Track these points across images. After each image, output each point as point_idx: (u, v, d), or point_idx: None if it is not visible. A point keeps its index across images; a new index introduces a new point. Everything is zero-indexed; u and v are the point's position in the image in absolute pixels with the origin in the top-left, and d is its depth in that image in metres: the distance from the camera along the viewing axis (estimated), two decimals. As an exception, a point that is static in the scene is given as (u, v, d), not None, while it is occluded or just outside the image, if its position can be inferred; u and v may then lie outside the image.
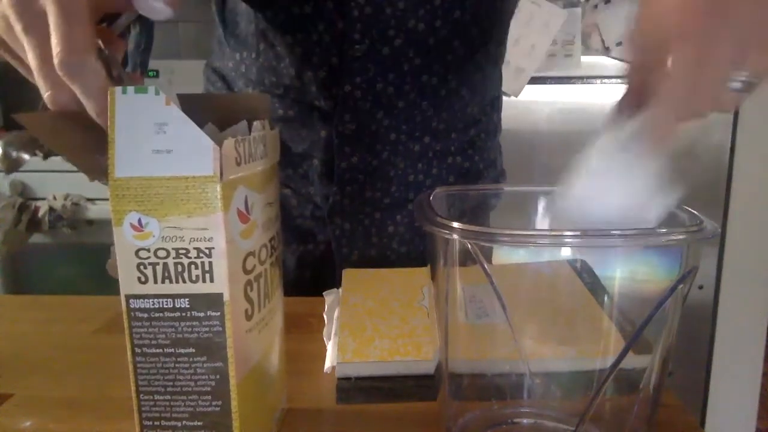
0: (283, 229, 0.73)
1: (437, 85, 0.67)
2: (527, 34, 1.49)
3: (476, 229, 0.30)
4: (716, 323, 1.63)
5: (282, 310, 0.42)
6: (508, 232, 0.30)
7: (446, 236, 0.31)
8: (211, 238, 0.31)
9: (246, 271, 0.34)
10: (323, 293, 0.61)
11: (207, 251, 0.31)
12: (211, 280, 0.31)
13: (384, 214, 0.71)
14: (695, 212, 0.34)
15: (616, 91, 1.54)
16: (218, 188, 0.30)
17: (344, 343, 0.49)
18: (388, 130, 0.67)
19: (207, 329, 0.32)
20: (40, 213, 1.55)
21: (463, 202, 0.44)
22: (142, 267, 0.31)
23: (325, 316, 0.56)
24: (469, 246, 0.32)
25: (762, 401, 1.66)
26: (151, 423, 0.34)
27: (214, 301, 0.32)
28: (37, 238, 1.57)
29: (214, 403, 0.33)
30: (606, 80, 1.54)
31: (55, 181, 1.56)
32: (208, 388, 0.33)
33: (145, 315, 0.32)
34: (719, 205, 1.59)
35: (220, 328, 0.32)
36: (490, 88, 0.75)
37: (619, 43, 1.50)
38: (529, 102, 1.53)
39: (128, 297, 0.32)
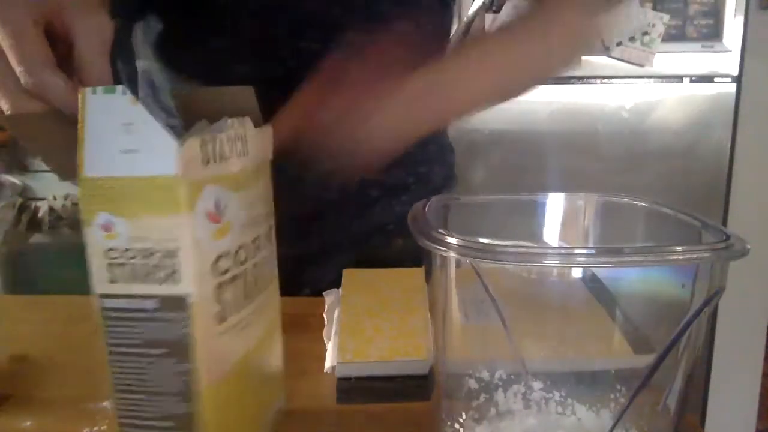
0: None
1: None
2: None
3: (477, 246, 0.29)
4: (716, 323, 1.63)
5: (277, 308, 0.42)
6: (513, 250, 0.28)
7: (443, 254, 0.30)
8: (176, 239, 0.30)
9: (218, 273, 0.33)
10: (323, 293, 0.61)
11: (173, 252, 0.30)
12: (177, 282, 0.31)
13: (298, 229, 0.70)
14: (723, 228, 0.31)
15: (616, 91, 1.54)
16: (182, 188, 0.30)
17: (344, 343, 0.49)
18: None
19: (176, 330, 0.31)
20: (40, 213, 1.55)
21: (460, 212, 0.43)
22: (112, 267, 0.31)
23: (325, 316, 0.56)
24: (468, 262, 0.31)
25: (762, 401, 1.66)
26: (127, 421, 0.34)
27: (180, 302, 0.31)
28: (37, 238, 1.57)
29: (184, 404, 0.33)
30: (606, 80, 1.54)
31: (55, 182, 1.56)
32: (178, 390, 0.32)
33: (117, 314, 0.32)
34: (719, 205, 1.59)
35: (188, 330, 0.31)
36: None
37: (619, 43, 1.50)
38: (529, 102, 1.53)
39: (101, 296, 0.32)
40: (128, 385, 0.33)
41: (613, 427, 0.31)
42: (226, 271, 0.34)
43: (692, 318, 0.29)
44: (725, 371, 1.65)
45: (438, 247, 0.29)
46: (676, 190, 1.54)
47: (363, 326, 0.51)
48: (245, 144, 0.36)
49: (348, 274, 0.62)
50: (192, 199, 0.30)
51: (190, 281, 0.31)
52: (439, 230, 0.31)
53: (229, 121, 0.35)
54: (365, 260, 0.69)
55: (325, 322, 0.55)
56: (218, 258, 0.33)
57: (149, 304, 0.31)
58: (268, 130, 0.39)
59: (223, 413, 0.34)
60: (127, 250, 0.31)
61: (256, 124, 0.38)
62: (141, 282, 0.31)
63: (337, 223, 0.72)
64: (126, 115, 0.30)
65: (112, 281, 0.31)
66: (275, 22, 0.63)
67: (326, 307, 0.58)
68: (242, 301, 0.36)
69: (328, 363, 0.49)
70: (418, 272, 0.65)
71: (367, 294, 0.57)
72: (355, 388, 0.46)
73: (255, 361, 0.38)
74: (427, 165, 0.75)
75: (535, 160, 1.51)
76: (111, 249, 0.31)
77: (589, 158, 1.55)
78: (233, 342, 0.35)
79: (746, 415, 1.66)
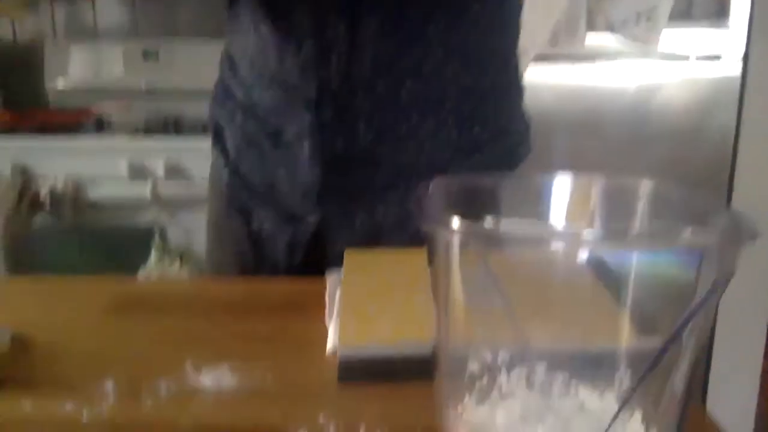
0: (274, 209, 0.74)
1: (420, 60, 0.66)
2: (530, 13, 1.47)
3: (482, 231, 0.28)
4: (716, 317, 1.63)
5: None
6: (518, 234, 0.27)
7: (447, 237, 0.29)
8: None
9: None
10: (325, 274, 0.61)
11: None
12: None
13: (374, 195, 0.70)
14: (734, 211, 0.30)
15: (621, 70, 1.52)
16: None
17: (346, 325, 0.48)
18: (370, 114, 0.66)
19: None
20: (42, 195, 1.54)
21: (465, 194, 0.42)
22: None
23: (326, 298, 0.56)
24: (472, 247, 0.30)
25: (763, 384, 1.67)
26: None
27: None
28: (39, 220, 1.56)
29: None
30: (610, 59, 1.52)
31: (54, 162, 1.55)
32: None
33: None
34: (723, 187, 1.58)
35: None
36: (495, 45, 0.72)
37: (624, 23, 1.48)
38: (533, 83, 1.51)
39: None
40: None
41: (619, 411, 0.31)
42: None
43: (701, 303, 0.28)
44: (725, 367, 1.64)
45: (442, 230, 0.29)
46: (681, 171, 1.53)
47: (365, 308, 0.51)
48: None
49: (349, 255, 0.62)
50: None
51: None
52: (443, 213, 0.30)
53: None
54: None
55: (327, 304, 0.55)
56: None
57: None
58: None
59: None
60: None
61: None
62: None
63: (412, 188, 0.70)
64: None
65: None
66: None
67: (327, 288, 0.57)
68: None
69: (330, 345, 0.49)
70: (421, 253, 0.64)
71: (369, 275, 0.57)
72: (357, 370, 0.46)
73: None
74: (488, 130, 0.72)
75: (538, 141, 1.50)
76: None
77: (593, 139, 1.53)
78: None
79: (747, 395, 1.66)
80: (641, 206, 0.37)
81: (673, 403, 0.31)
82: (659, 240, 0.27)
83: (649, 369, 0.30)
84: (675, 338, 0.29)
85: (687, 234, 0.27)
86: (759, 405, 1.59)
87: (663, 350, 0.29)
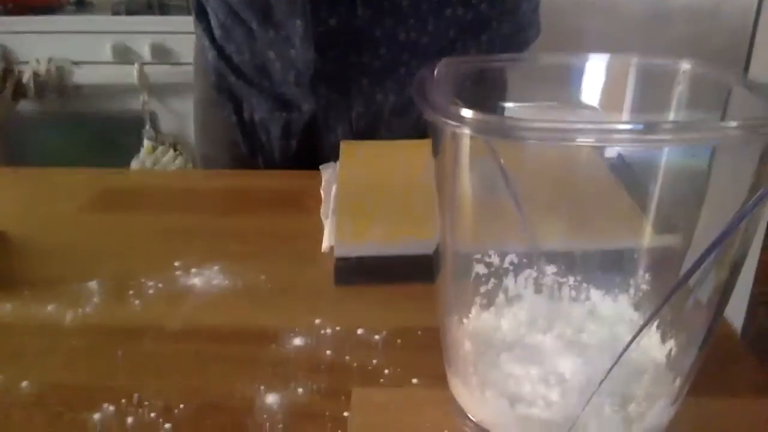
0: (266, 95, 0.68)
1: None
2: None
3: (497, 122, 0.24)
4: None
5: None
6: (539, 125, 0.23)
7: (456, 130, 0.25)
8: None
9: None
10: (320, 167, 0.57)
11: None
12: None
13: (372, 79, 0.65)
14: None
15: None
16: None
17: (342, 221, 0.45)
18: None
19: None
20: (25, 79, 1.47)
21: (475, 77, 0.37)
22: None
23: (322, 192, 0.53)
24: (483, 140, 0.26)
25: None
26: None
27: None
28: (24, 105, 1.50)
29: None
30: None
31: (36, 44, 1.47)
32: None
33: None
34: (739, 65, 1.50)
35: None
36: None
37: None
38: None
39: None
40: None
41: (644, 325, 0.28)
42: None
43: (749, 208, 0.24)
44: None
45: (450, 122, 0.25)
46: (698, 50, 1.45)
47: (362, 204, 0.48)
48: None
49: (346, 147, 0.58)
50: None
51: None
52: (451, 101, 0.26)
53: None
54: None
55: (322, 199, 0.52)
56: None
57: None
58: None
59: None
60: None
61: None
62: None
63: (412, 72, 0.65)
64: None
65: None
66: None
67: (323, 182, 0.54)
68: None
69: (326, 243, 0.46)
70: (422, 144, 0.60)
71: (367, 169, 0.53)
72: (354, 269, 0.43)
73: None
74: (496, 8, 0.66)
75: (547, 19, 1.40)
76: None
77: (607, 18, 1.44)
78: None
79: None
80: (677, 92, 0.32)
81: (697, 313, 0.29)
82: (706, 134, 0.23)
83: (686, 274, 0.27)
84: (721, 240, 0.25)
85: (732, 126, 0.23)
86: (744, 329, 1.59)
87: (704, 256, 0.26)
